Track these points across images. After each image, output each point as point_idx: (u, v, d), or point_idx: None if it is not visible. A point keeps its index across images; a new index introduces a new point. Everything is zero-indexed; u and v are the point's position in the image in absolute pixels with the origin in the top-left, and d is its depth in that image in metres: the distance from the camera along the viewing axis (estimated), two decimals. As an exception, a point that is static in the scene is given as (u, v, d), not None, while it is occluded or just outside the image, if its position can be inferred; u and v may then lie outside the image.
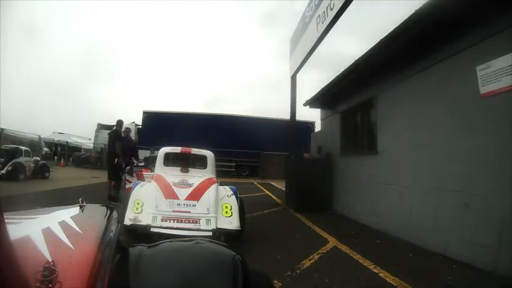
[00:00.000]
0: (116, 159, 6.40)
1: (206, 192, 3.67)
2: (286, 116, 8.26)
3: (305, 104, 8.37)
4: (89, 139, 24.44)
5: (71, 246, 0.69)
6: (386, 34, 4.12)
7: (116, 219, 1.04)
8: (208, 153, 4.71)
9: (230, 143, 16.37)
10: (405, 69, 4.43)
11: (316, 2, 5.83)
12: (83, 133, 28.14)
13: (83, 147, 25.12)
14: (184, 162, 4.65)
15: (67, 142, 22.24)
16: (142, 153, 12.88)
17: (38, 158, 11.52)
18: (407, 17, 3.66)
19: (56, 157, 19.68)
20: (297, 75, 7.72)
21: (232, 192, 3.80)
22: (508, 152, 2.79)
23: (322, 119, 8.34)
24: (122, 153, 6.49)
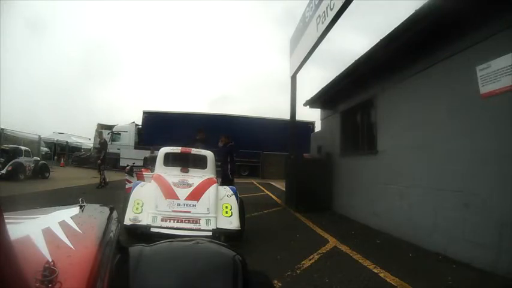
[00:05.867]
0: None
1: (206, 192, 3.67)
2: (287, 116, 8.27)
3: (305, 104, 8.38)
4: (89, 139, 24.47)
5: (71, 246, 0.69)
6: (387, 34, 4.12)
7: (116, 219, 1.04)
8: (208, 153, 4.71)
9: (230, 142, 16.34)
10: (405, 69, 4.42)
11: (316, 2, 5.83)
12: (83, 133, 28.20)
13: (83, 147, 25.16)
14: (184, 162, 4.64)
15: (67, 142, 22.25)
16: (142, 153, 12.93)
17: (38, 158, 11.52)
18: (407, 16, 3.67)
19: (55, 157, 19.68)
20: (297, 75, 7.72)
21: (232, 192, 3.80)
22: (508, 152, 2.79)
23: (322, 119, 8.35)
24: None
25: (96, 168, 9.34)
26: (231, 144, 7.18)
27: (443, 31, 3.56)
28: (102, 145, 9.17)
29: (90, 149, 22.60)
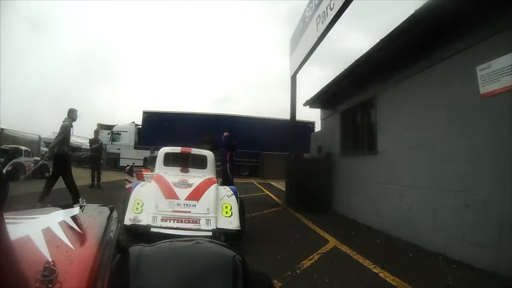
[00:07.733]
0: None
1: (206, 192, 3.67)
2: (287, 115, 8.27)
3: (305, 104, 8.37)
4: (89, 139, 24.41)
5: (71, 246, 0.69)
6: (387, 34, 4.11)
7: (116, 219, 1.04)
8: (208, 153, 4.71)
9: (230, 142, 16.34)
10: (405, 69, 4.42)
11: (316, 2, 5.82)
12: (83, 133, 28.12)
13: (83, 147, 25.11)
14: (184, 162, 4.64)
15: (67, 142, 22.17)
16: (143, 153, 12.93)
17: (38, 158, 11.52)
18: (407, 16, 3.67)
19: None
20: (297, 75, 7.72)
21: (232, 192, 3.80)
22: (508, 152, 2.79)
23: (322, 119, 8.35)
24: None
25: (89, 168, 9.49)
26: (233, 143, 7.75)
27: (443, 31, 3.56)
28: (100, 145, 9.48)
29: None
